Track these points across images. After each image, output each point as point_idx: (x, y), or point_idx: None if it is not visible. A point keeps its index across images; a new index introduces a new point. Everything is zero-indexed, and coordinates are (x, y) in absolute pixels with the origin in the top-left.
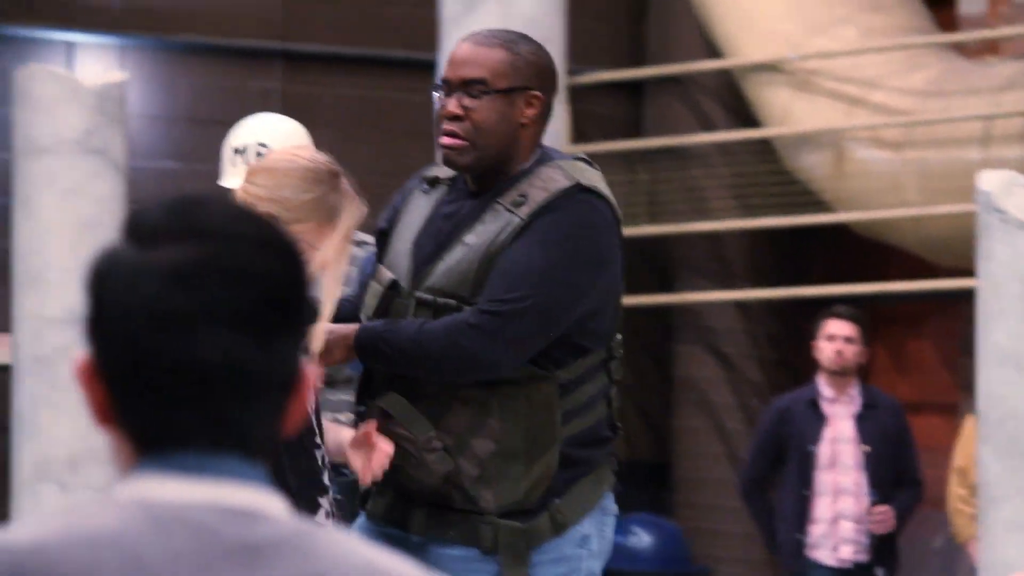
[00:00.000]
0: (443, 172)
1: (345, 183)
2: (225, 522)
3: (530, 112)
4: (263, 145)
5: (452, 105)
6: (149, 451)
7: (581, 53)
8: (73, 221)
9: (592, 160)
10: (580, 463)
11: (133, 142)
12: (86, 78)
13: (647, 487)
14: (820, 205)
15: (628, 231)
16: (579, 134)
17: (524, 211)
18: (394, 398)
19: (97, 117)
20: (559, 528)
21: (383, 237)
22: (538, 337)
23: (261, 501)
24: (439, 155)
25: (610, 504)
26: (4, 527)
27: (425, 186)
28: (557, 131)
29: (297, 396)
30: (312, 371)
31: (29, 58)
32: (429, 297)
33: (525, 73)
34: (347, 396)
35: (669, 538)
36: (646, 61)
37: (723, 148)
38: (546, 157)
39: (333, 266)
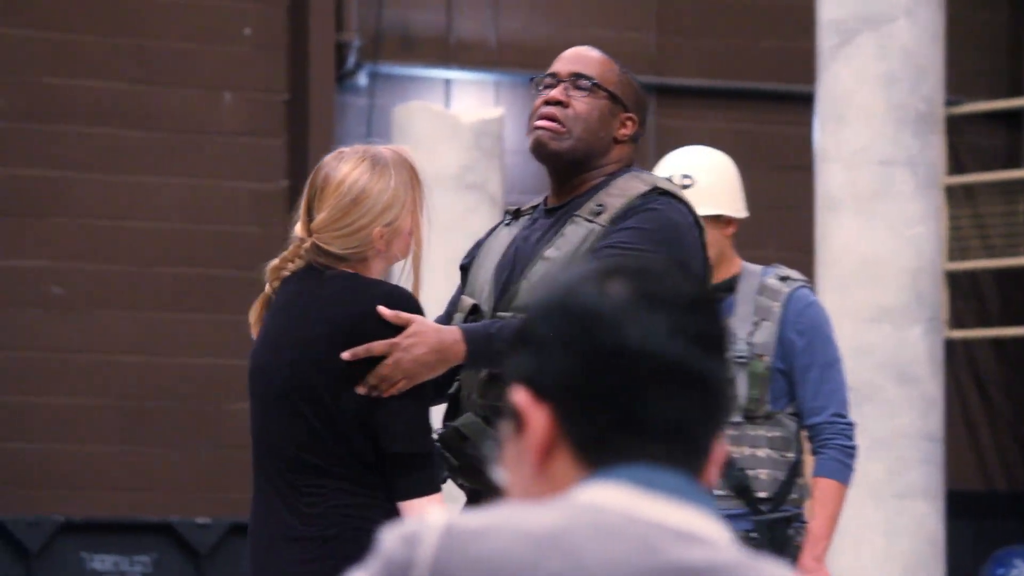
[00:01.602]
0: (527, 204)
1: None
2: (667, 540)
3: (623, 132)
4: (687, 176)
5: (557, 91)
6: (600, 468)
7: (959, 84)
8: (450, 256)
9: (971, 190)
10: None
11: (509, 177)
12: (463, 114)
13: None
14: None
15: (1007, 261)
16: (957, 165)
17: (604, 219)
18: (471, 420)
19: (474, 153)
20: None
21: (464, 272)
22: None
23: (706, 525)
24: (531, 140)
25: None
26: (453, 513)
27: (508, 219)
28: (933, 162)
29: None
30: None
31: (408, 95)
32: (509, 315)
33: (627, 93)
34: None
35: None
36: None
37: None
38: (624, 171)
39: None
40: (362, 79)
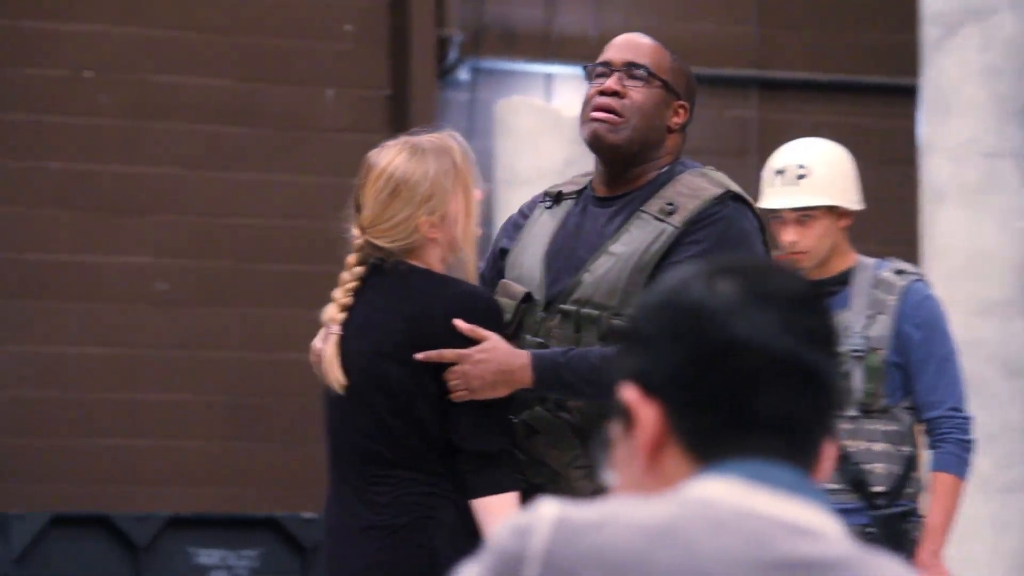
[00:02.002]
0: (567, 187)
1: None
2: (781, 534)
3: (676, 120)
4: (802, 167)
5: (612, 81)
6: (711, 462)
7: None
8: None
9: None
10: None
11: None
12: (565, 109)
13: None
14: None
15: None
16: None
17: (676, 219)
18: (539, 414)
19: (576, 147)
20: None
21: (504, 255)
22: None
23: (818, 519)
24: (587, 131)
25: None
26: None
27: (548, 202)
28: None
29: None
30: None
31: (509, 90)
32: (572, 308)
33: (680, 81)
34: None
35: None
36: None
37: None
38: (680, 165)
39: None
40: (463, 74)
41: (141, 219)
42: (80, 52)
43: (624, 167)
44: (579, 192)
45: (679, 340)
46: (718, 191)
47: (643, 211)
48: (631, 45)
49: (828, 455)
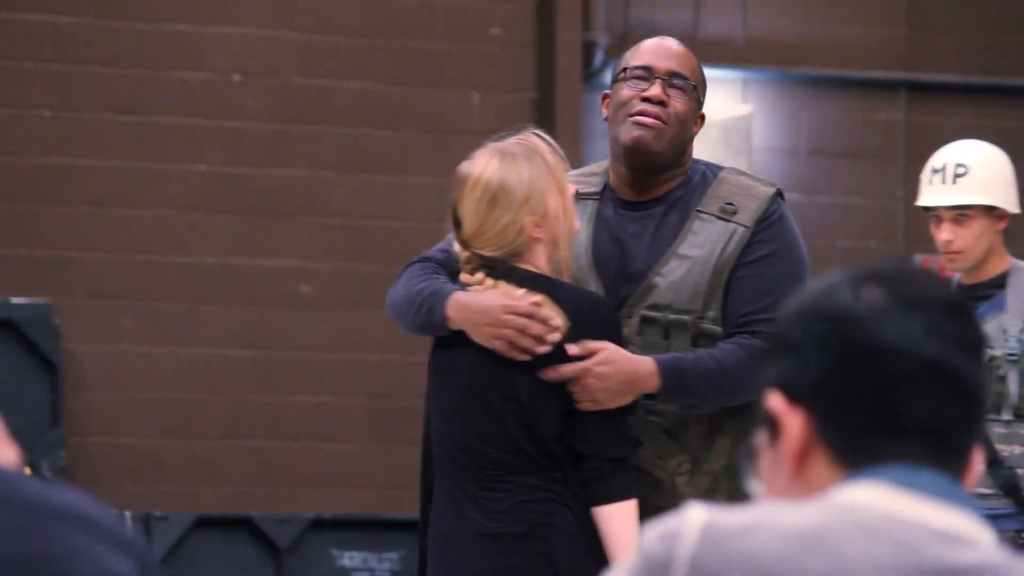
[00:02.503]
0: (583, 187)
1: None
2: (931, 541)
3: (696, 130)
4: (961, 165)
5: (658, 89)
6: (858, 469)
7: None
8: None
9: None
10: None
11: (757, 174)
12: (712, 112)
13: None
14: None
15: None
16: None
17: (743, 219)
18: (641, 422)
19: (723, 150)
20: None
21: None
22: None
23: (968, 526)
24: (630, 136)
25: None
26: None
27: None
28: None
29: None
30: None
31: None
32: (657, 314)
33: (704, 90)
34: None
35: None
36: None
37: None
38: (702, 165)
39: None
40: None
41: (287, 222)
42: (228, 56)
43: (656, 173)
44: (599, 193)
45: (825, 347)
46: (770, 189)
47: (702, 211)
48: (672, 53)
49: (976, 461)
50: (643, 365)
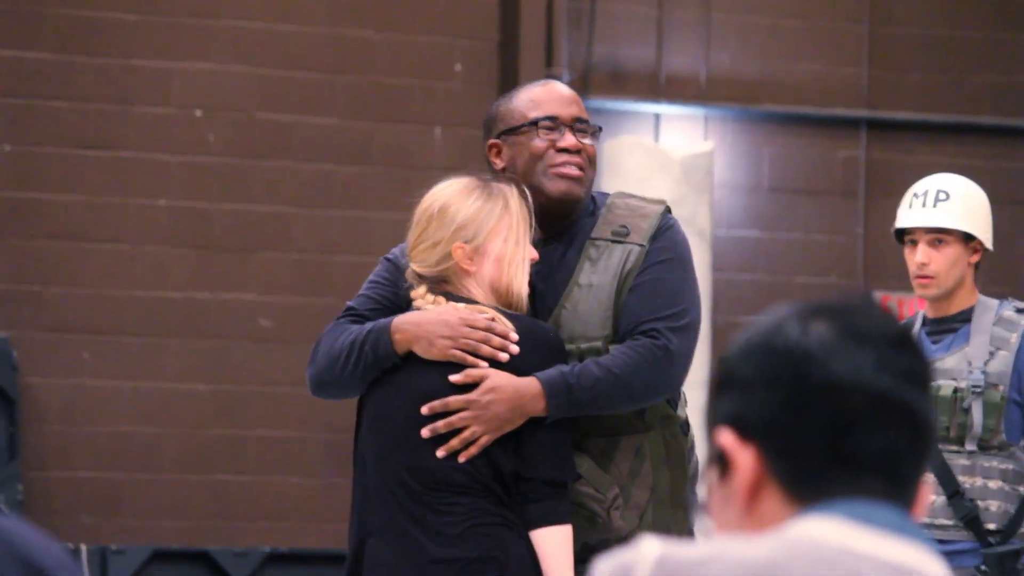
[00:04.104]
0: None
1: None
2: (883, 575)
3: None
4: (943, 191)
5: (574, 139)
6: (810, 504)
7: None
8: None
9: None
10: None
11: (718, 211)
12: (673, 149)
13: None
14: None
15: None
16: None
17: (637, 238)
18: (576, 454)
19: (684, 187)
20: None
21: None
22: (693, 353)
23: (921, 559)
24: (560, 188)
25: None
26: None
27: None
28: None
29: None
30: None
31: (617, 130)
32: (571, 347)
33: None
34: None
35: None
36: None
37: None
38: (592, 195)
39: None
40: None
41: (248, 256)
42: (189, 91)
43: (570, 216)
44: None
45: (775, 383)
46: (660, 206)
47: (595, 239)
48: (570, 99)
49: (925, 491)
50: (529, 387)
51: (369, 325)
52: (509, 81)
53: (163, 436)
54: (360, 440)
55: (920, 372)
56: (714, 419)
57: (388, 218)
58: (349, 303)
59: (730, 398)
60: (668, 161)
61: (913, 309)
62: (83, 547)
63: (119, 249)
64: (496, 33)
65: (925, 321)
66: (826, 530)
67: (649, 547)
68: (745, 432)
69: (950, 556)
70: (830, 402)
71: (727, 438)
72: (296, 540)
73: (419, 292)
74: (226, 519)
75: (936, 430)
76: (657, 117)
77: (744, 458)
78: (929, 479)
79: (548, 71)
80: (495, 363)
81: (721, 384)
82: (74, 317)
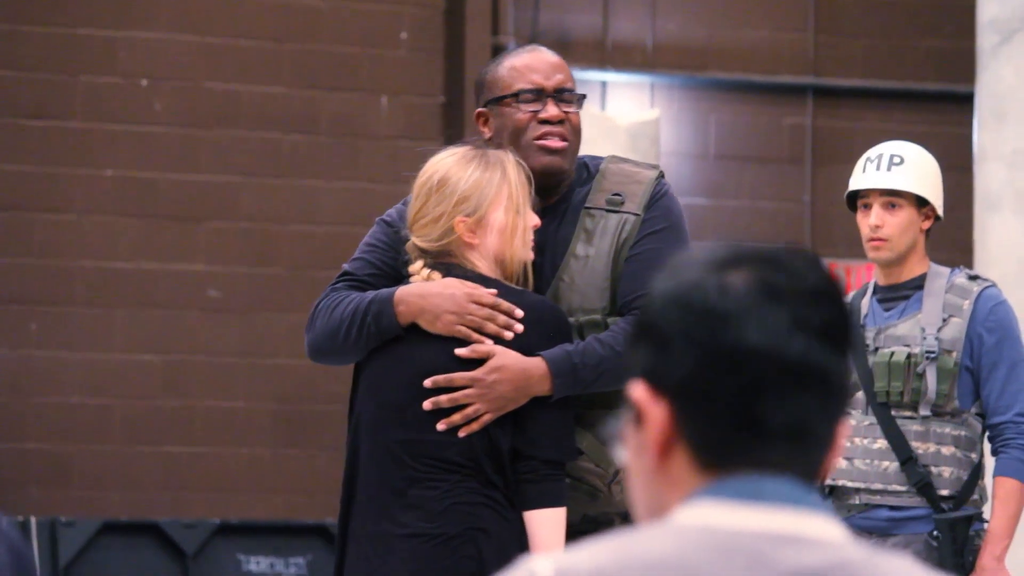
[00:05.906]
0: None
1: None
2: (780, 549)
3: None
4: (897, 156)
5: (557, 109)
6: (710, 475)
7: None
8: None
9: None
10: None
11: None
12: (619, 116)
13: None
14: None
15: None
16: None
17: (632, 207)
18: (579, 432)
19: (630, 154)
20: None
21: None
22: None
23: (814, 526)
24: (543, 161)
25: None
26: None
27: None
28: None
29: (840, 432)
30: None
31: None
32: (570, 319)
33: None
34: None
35: None
36: None
37: None
38: (582, 159)
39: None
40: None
41: (196, 226)
42: (136, 60)
43: (557, 187)
44: None
45: (690, 342)
46: (653, 172)
47: (590, 208)
48: (555, 66)
49: (837, 447)
50: (535, 367)
51: (371, 294)
52: (455, 49)
53: (111, 407)
54: (357, 402)
55: (838, 326)
56: (632, 369)
57: (336, 187)
58: (345, 266)
59: (647, 351)
60: (614, 129)
61: (860, 278)
62: (32, 519)
63: (66, 219)
64: (442, 1)
65: (876, 289)
66: (716, 514)
67: (543, 563)
68: (658, 387)
69: (903, 523)
70: (740, 369)
71: (640, 392)
72: (246, 511)
73: (416, 267)
74: (175, 490)
75: (850, 388)
76: (604, 85)
77: (656, 413)
78: (876, 445)
79: (494, 39)
80: (499, 340)
81: (639, 334)
82: (21, 288)
